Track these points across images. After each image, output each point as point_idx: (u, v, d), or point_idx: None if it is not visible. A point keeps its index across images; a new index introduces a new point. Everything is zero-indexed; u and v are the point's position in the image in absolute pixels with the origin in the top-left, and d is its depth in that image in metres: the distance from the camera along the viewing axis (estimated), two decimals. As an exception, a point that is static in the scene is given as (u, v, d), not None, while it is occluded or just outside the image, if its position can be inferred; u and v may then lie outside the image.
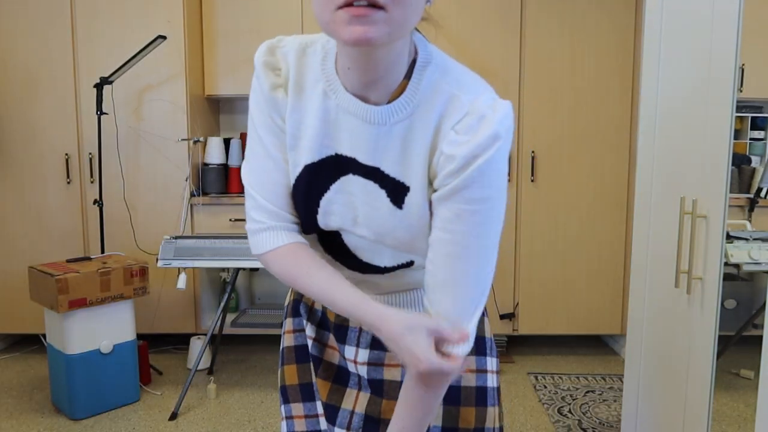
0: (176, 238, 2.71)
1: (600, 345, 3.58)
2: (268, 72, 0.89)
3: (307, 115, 0.87)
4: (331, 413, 1.02)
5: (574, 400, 2.80)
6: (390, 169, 0.84)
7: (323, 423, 1.03)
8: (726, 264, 2.33)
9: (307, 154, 0.87)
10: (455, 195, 0.80)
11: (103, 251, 3.06)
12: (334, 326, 1.03)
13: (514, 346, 3.54)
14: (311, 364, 1.06)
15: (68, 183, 3.23)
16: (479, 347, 1.02)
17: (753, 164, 3.23)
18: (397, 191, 0.84)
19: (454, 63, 0.86)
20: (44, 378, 3.05)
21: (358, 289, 0.85)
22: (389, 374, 1.00)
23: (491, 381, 1.02)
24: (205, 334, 3.33)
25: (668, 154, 1.81)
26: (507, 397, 2.84)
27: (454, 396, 0.99)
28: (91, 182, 3.23)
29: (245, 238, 2.69)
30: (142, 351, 2.92)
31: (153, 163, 3.22)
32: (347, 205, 0.88)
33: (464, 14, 3.20)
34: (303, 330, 1.07)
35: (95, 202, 3.02)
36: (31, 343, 3.56)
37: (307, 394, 1.05)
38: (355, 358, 1.01)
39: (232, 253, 2.65)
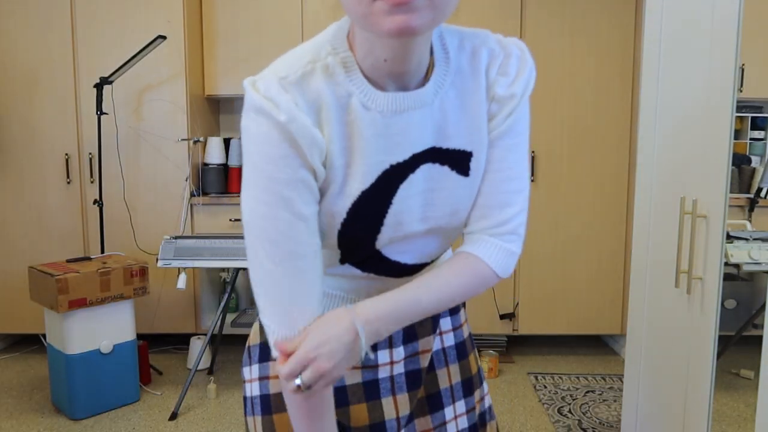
0: (176, 238, 2.71)
1: (600, 345, 3.58)
2: (283, 117, 0.75)
3: (345, 137, 0.77)
4: (380, 429, 0.96)
5: (574, 400, 2.80)
6: (447, 143, 0.81)
7: None
8: (726, 264, 2.33)
9: (360, 182, 0.78)
10: (510, 131, 0.84)
11: (103, 251, 3.06)
12: None
13: (514, 346, 3.54)
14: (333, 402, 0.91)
15: (68, 183, 3.23)
16: (480, 379, 1.06)
17: (753, 164, 3.23)
18: (460, 161, 0.82)
19: (446, 25, 0.83)
20: (44, 378, 3.05)
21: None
22: (425, 360, 0.99)
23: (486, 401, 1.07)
24: (205, 334, 3.33)
25: (668, 154, 1.81)
26: (507, 397, 2.84)
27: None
28: (91, 182, 3.23)
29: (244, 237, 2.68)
30: (142, 351, 2.92)
31: (153, 163, 3.22)
32: (415, 206, 0.83)
33: (464, 14, 3.20)
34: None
35: (95, 202, 3.02)
36: (31, 343, 3.56)
37: None
38: (392, 359, 0.96)
39: (232, 253, 2.65)
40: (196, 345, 3.18)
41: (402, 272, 0.91)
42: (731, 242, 2.37)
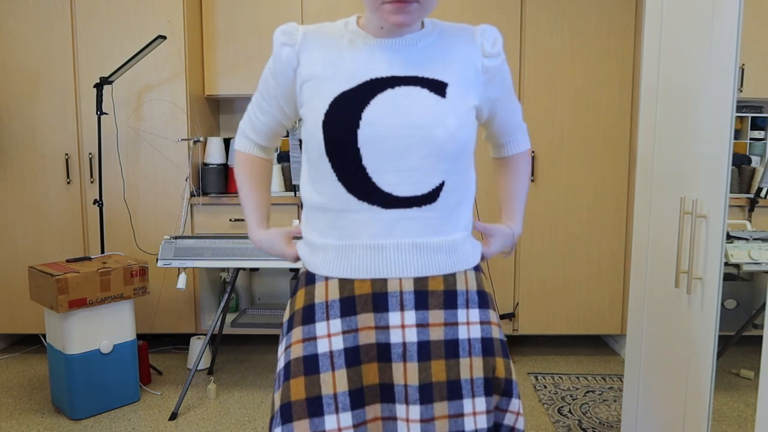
0: (176, 238, 2.71)
1: (600, 345, 3.58)
2: (281, 38, 1.11)
3: (333, 60, 1.07)
4: (388, 392, 1.03)
5: (574, 400, 2.80)
6: (427, 72, 1.07)
7: None
8: (726, 264, 2.33)
9: (342, 85, 1.05)
10: (504, 82, 1.18)
11: (103, 251, 3.06)
12: (373, 296, 1.04)
13: (514, 346, 3.54)
14: (335, 368, 1.03)
15: (68, 183, 3.23)
16: (508, 388, 1.10)
17: (753, 164, 3.23)
18: (437, 86, 1.06)
19: (444, 23, 1.17)
20: (44, 378, 3.05)
21: (257, 207, 1.24)
22: (435, 334, 1.05)
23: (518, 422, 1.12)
24: (205, 334, 3.33)
25: (668, 154, 1.81)
26: (507, 397, 2.84)
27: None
28: (91, 182, 3.23)
29: (245, 238, 2.69)
30: (142, 351, 2.92)
31: (153, 163, 3.22)
32: (393, 110, 1.04)
33: (464, 14, 3.20)
34: (314, 338, 1.05)
35: (95, 202, 3.02)
36: (31, 343, 3.56)
37: (315, 408, 1.00)
38: (403, 322, 1.04)
39: (232, 253, 2.65)
40: (196, 345, 3.18)
41: (391, 202, 1.04)
42: (731, 242, 2.37)
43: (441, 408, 1.02)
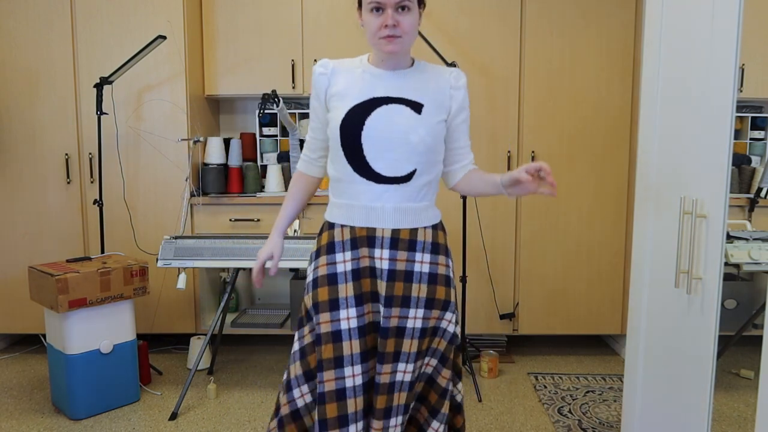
0: (176, 238, 2.71)
1: (600, 345, 3.58)
2: (319, 69, 1.63)
3: (350, 84, 1.58)
4: (375, 296, 1.59)
5: (574, 400, 2.80)
6: (409, 96, 1.57)
7: (344, 324, 1.55)
8: (726, 264, 2.33)
9: (354, 100, 1.56)
10: (464, 110, 1.63)
11: (103, 251, 3.06)
12: (367, 238, 1.58)
13: (514, 346, 3.54)
14: (347, 281, 1.58)
15: (68, 183, 3.23)
16: (445, 305, 1.63)
17: (753, 164, 3.23)
18: (415, 106, 1.56)
19: (427, 63, 1.66)
20: (44, 378, 3.05)
21: (287, 218, 1.75)
22: (399, 266, 1.58)
23: (444, 324, 1.64)
24: (205, 334, 3.33)
25: (668, 154, 1.81)
26: (507, 397, 2.84)
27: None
28: (91, 182, 3.23)
29: (245, 238, 2.69)
30: (142, 351, 2.92)
31: (153, 163, 3.22)
32: (386, 119, 1.54)
33: (464, 14, 3.20)
34: (335, 263, 1.59)
35: (95, 202, 3.03)
36: (31, 343, 3.56)
37: (333, 305, 1.56)
38: (381, 255, 1.58)
39: (232, 253, 2.65)
40: (196, 345, 3.18)
41: (380, 179, 1.56)
42: (731, 242, 2.37)
43: (396, 311, 1.57)
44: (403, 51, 1.54)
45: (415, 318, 1.58)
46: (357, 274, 1.58)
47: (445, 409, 1.64)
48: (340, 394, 1.53)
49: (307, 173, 1.75)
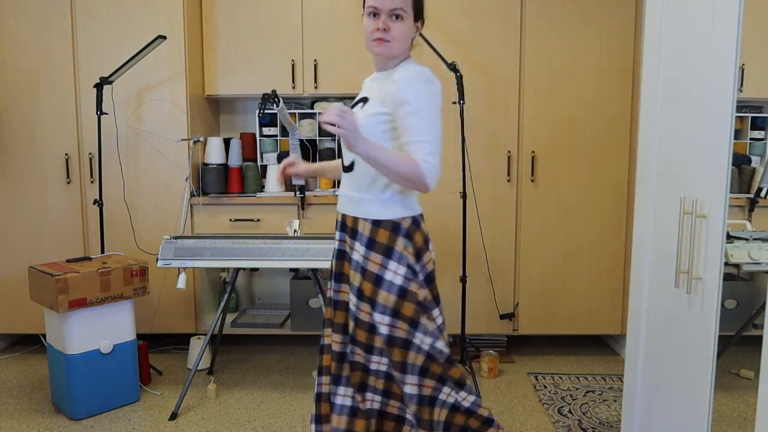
0: (176, 238, 2.71)
1: (600, 345, 3.58)
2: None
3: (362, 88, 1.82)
4: (341, 275, 1.83)
5: (574, 400, 2.80)
6: (369, 94, 1.73)
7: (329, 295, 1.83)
8: (726, 264, 2.33)
9: (356, 100, 1.81)
10: (402, 106, 1.62)
11: (103, 251, 3.06)
12: (337, 222, 1.83)
13: (514, 346, 3.54)
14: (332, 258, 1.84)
15: (68, 183, 3.23)
16: (371, 303, 1.70)
17: (753, 164, 3.23)
18: (364, 101, 1.73)
19: (419, 66, 1.65)
20: (44, 378, 3.05)
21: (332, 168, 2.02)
22: (346, 248, 1.80)
23: (378, 326, 1.71)
24: (205, 334, 3.33)
25: (668, 154, 1.81)
26: (507, 397, 2.84)
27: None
28: (91, 182, 3.23)
29: (245, 238, 2.69)
30: (142, 351, 2.92)
31: (153, 163, 3.22)
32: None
33: (464, 14, 3.20)
34: (336, 240, 1.83)
35: (95, 202, 3.03)
36: (31, 343, 3.56)
37: (330, 277, 1.83)
38: (338, 238, 1.84)
39: (232, 253, 2.65)
40: (196, 345, 3.18)
41: (344, 169, 1.78)
42: (731, 242, 2.37)
43: (345, 287, 1.79)
44: (391, 55, 1.67)
45: (348, 293, 1.77)
46: (337, 254, 1.82)
47: (425, 415, 1.72)
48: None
49: None
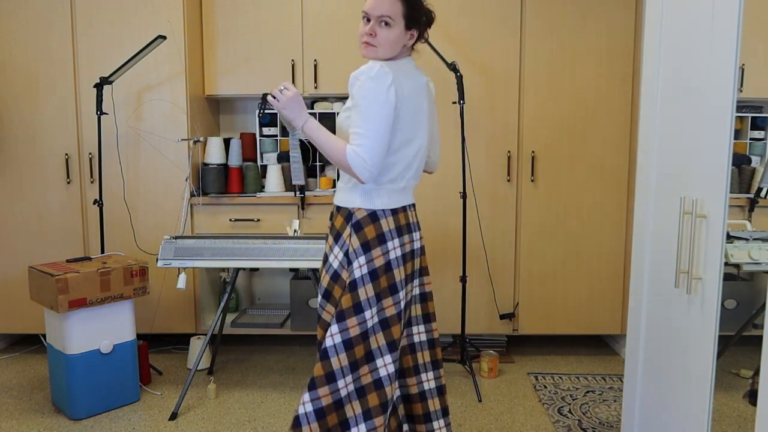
0: (176, 238, 2.71)
1: (600, 345, 3.58)
2: None
3: None
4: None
5: (574, 400, 2.80)
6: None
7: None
8: (726, 264, 2.33)
9: None
10: (350, 99, 1.73)
11: (103, 251, 3.06)
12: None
13: (514, 346, 3.54)
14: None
15: (68, 183, 3.23)
16: (336, 238, 1.79)
17: (753, 164, 3.23)
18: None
19: (373, 63, 1.69)
20: (44, 378, 3.05)
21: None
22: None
23: (326, 316, 1.80)
24: (205, 334, 3.33)
25: (668, 154, 1.81)
26: (507, 397, 2.84)
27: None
28: (91, 182, 3.23)
29: (245, 238, 2.69)
30: (142, 351, 2.92)
31: (153, 163, 3.22)
32: None
33: (464, 14, 3.20)
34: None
35: (95, 202, 3.03)
36: (31, 343, 3.56)
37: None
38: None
39: (232, 253, 2.65)
40: (196, 345, 3.18)
41: None
42: (731, 242, 2.37)
43: (324, 276, 1.81)
44: (376, 58, 1.74)
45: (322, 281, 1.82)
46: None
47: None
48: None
49: None
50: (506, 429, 2.53)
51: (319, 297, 1.82)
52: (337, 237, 1.78)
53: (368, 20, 1.72)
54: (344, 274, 1.75)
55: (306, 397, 1.69)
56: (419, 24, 1.76)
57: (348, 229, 1.75)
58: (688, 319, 1.68)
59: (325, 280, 1.80)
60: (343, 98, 3.50)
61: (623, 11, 3.17)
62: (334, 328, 1.71)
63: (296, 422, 1.69)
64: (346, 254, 1.74)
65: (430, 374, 1.91)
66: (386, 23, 1.70)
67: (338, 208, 1.80)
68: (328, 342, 1.70)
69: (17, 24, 3.15)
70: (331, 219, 1.84)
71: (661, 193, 1.85)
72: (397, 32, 1.71)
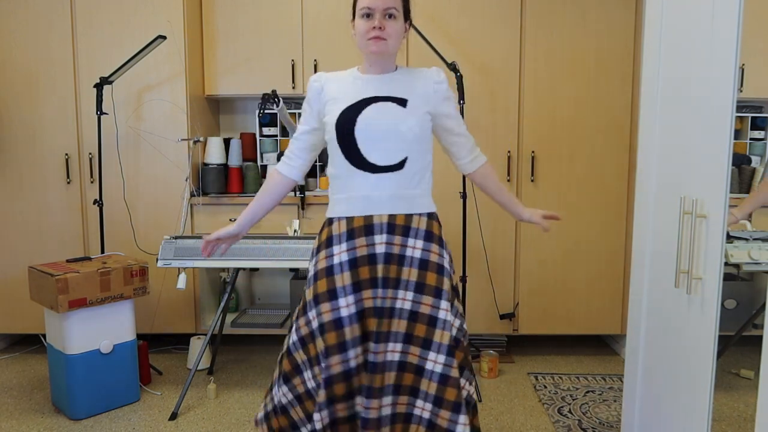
0: (176, 238, 2.71)
1: (600, 345, 3.58)
2: (312, 79, 1.82)
3: (342, 89, 1.76)
4: (375, 282, 1.71)
5: (574, 400, 2.80)
6: (395, 94, 1.74)
7: (344, 311, 1.68)
8: (726, 264, 2.33)
9: (346, 102, 1.73)
10: (450, 102, 1.81)
11: (103, 251, 3.06)
12: (365, 226, 1.72)
13: (514, 346, 3.54)
14: (343, 271, 1.71)
15: (68, 183, 3.23)
16: (437, 293, 1.70)
17: (753, 164, 3.23)
18: (401, 101, 1.73)
19: (410, 68, 1.82)
20: (44, 378, 3.05)
21: (253, 213, 1.87)
22: (395, 249, 1.72)
23: (442, 314, 1.70)
24: (205, 334, 3.33)
25: (668, 154, 1.81)
26: (507, 397, 2.84)
27: (413, 318, 1.70)
28: (91, 182, 3.23)
29: (245, 238, 2.69)
30: (142, 351, 2.92)
31: (153, 163, 3.22)
32: (376, 114, 1.71)
33: (464, 14, 3.20)
34: (332, 255, 1.72)
35: (95, 202, 3.03)
36: (31, 343, 3.56)
37: (332, 295, 1.70)
38: (379, 241, 1.71)
39: (232, 253, 2.65)
40: (196, 345, 3.18)
41: (376, 169, 1.71)
42: (731, 242, 2.37)
43: (391, 292, 1.70)
44: (388, 54, 1.73)
45: (404, 300, 1.70)
46: (354, 263, 1.71)
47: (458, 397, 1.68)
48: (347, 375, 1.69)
49: (278, 170, 1.87)
50: (506, 429, 2.53)
51: (446, 303, 1.74)
52: (441, 241, 1.77)
53: (368, 16, 1.69)
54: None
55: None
56: (409, 16, 1.79)
57: (439, 228, 1.79)
58: (688, 319, 1.68)
59: (432, 278, 1.72)
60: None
61: (623, 11, 3.17)
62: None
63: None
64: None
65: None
66: (392, 15, 1.70)
67: (431, 215, 1.78)
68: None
69: (17, 24, 3.15)
70: (409, 234, 1.73)
71: (661, 193, 1.85)
72: (401, 24, 1.73)
